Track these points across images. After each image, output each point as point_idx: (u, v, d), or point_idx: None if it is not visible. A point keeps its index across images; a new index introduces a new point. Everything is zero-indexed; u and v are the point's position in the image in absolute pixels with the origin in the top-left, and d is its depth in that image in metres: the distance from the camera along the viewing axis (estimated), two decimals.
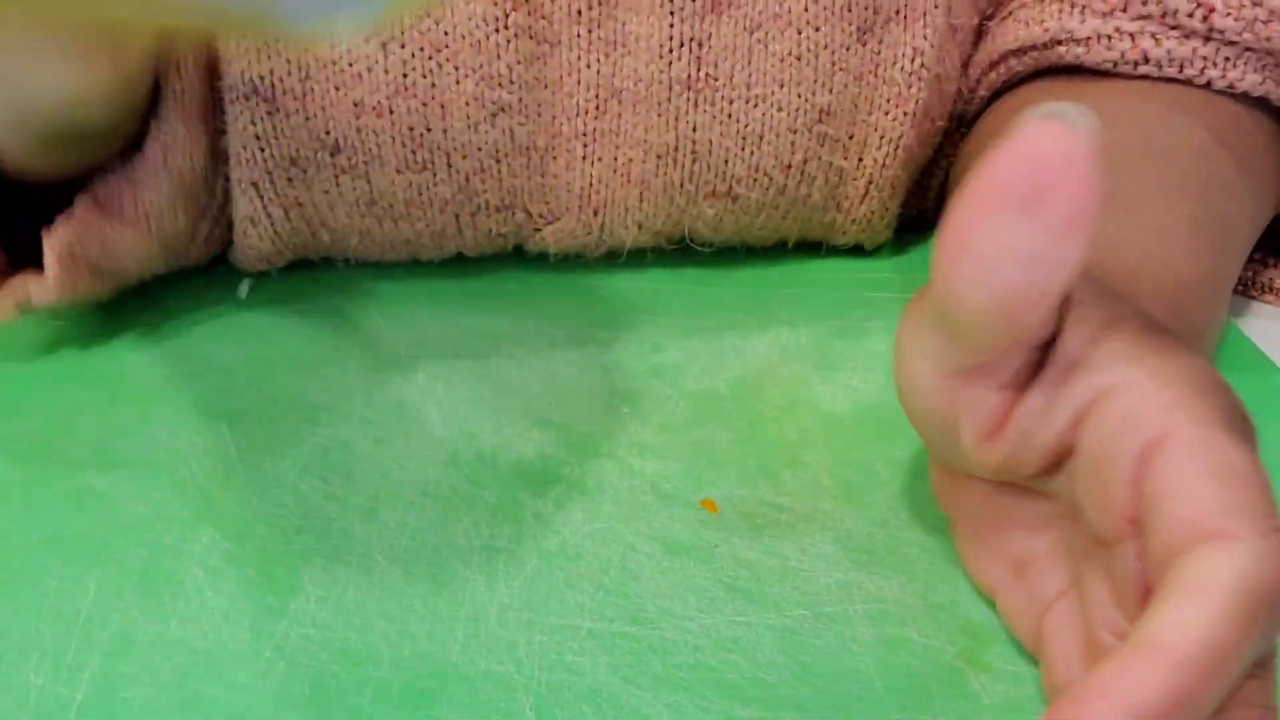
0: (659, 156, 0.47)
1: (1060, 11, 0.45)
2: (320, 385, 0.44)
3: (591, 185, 0.48)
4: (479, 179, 0.46)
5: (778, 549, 0.36)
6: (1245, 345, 0.46)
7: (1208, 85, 0.44)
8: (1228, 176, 0.41)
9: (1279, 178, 0.45)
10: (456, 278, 0.51)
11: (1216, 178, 0.41)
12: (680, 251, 0.52)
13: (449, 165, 0.46)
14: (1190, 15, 0.43)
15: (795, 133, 0.47)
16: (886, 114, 0.47)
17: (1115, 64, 0.44)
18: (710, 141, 0.46)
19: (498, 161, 0.46)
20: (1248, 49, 0.43)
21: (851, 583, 0.35)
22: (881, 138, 0.48)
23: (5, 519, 0.37)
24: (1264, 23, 0.42)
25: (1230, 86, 0.43)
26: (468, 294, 0.50)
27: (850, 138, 0.48)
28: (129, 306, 0.49)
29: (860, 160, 0.48)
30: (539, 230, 0.49)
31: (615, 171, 0.47)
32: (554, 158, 0.47)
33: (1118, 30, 0.44)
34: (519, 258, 0.53)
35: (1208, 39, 0.43)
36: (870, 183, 0.49)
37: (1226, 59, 0.43)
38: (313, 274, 0.52)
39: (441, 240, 0.49)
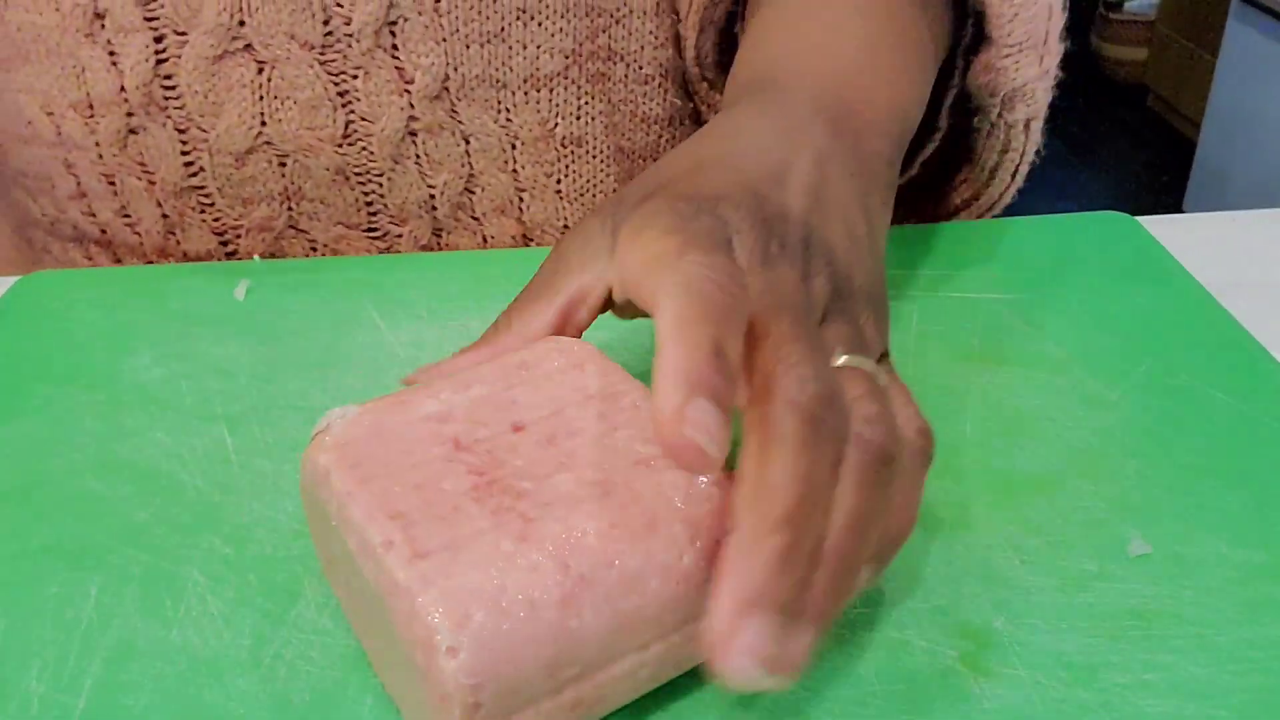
0: None
1: None
2: (320, 385, 0.44)
3: None
4: None
5: None
6: (1249, 343, 0.46)
7: None
8: (920, 27, 0.46)
9: (944, 25, 0.49)
10: (457, 278, 0.51)
11: (912, 26, 0.45)
12: None
13: None
14: None
15: None
16: None
17: None
18: None
19: None
20: None
21: None
22: None
23: (5, 525, 0.37)
24: None
25: None
26: (467, 294, 0.50)
27: None
28: (128, 309, 0.49)
29: None
30: None
31: None
32: None
33: None
34: (519, 258, 0.53)
35: None
36: None
37: None
38: (313, 274, 0.52)
39: None
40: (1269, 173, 2.11)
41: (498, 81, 0.54)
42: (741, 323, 0.30)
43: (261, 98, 0.53)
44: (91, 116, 0.54)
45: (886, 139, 0.41)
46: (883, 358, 0.34)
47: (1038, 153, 0.54)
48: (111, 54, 0.52)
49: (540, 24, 0.53)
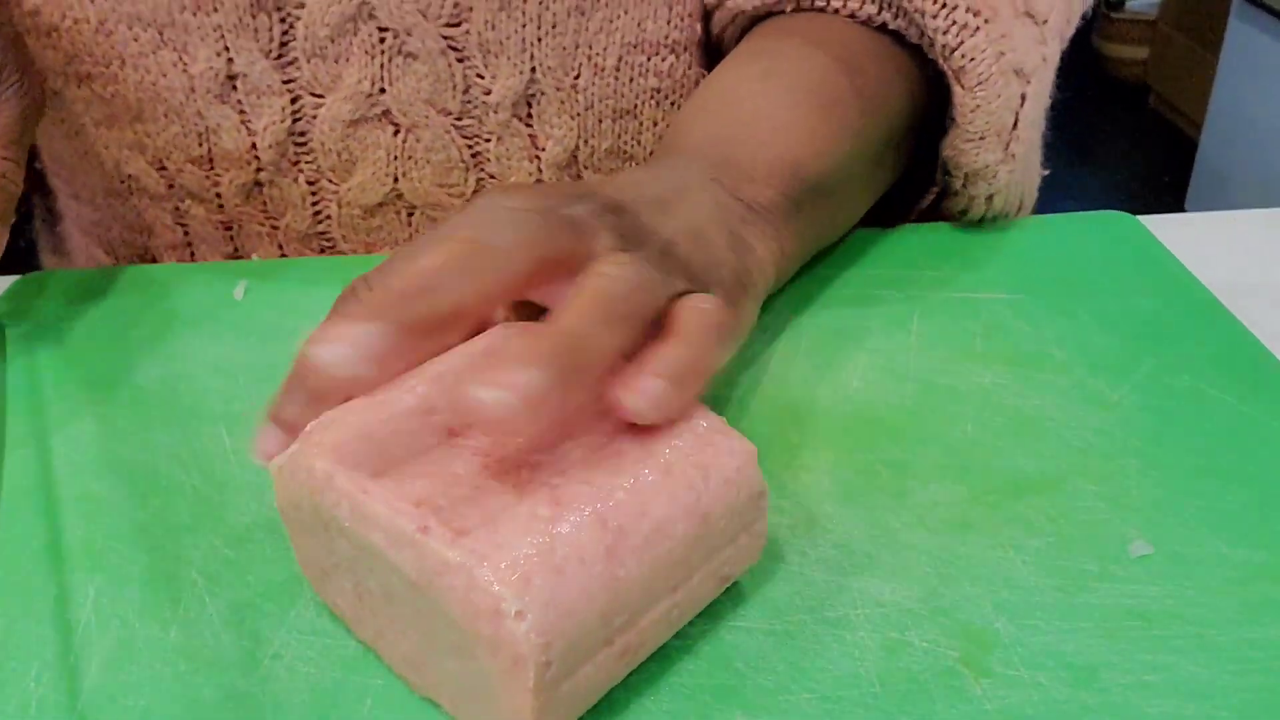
0: None
1: None
2: None
3: None
4: None
5: (778, 552, 0.36)
6: (1251, 343, 0.46)
7: (836, 12, 0.50)
8: (840, 88, 0.48)
9: (893, 90, 0.50)
10: None
11: (828, 87, 0.48)
12: None
13: None
14: None
15: None
16: None
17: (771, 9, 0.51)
18: None
19: None
20: None
21: (853, 586, 0.35)
22: None
23: (4, 526, 0.37)
24: None
25: (852, 15, 0.50)
26: None
27: None
28: (128, 309, 0.49)
29: None
30: (303, 5, 0.50)
31: None
32: None
33: None
34: None
35: None
36: None
37: None
38: (312, 274, 0.52)
39: (203, 14, 0.49)
40: (1271, 172, 2.11)
41: (625, 153, 0.56)
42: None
43: (396, 158, 0.54)
44: (212, 170, 0.54)
45: (767, 185, 0.44)
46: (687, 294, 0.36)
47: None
48: (242, 113, 0.52)
49: (673, 103, 0.55)
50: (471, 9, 0.50)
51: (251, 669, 0.32)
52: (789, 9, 0.51)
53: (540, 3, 0.50)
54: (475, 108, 0.52)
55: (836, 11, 0.50)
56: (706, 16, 0.55)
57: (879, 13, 0.49)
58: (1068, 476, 0.39)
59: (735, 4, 0.53)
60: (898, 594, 0.34)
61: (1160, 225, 0.55)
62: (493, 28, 0.50)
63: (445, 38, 0.51)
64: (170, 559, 0.36)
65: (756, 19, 0.53)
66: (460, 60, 0.51)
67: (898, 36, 0.50)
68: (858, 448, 0.40)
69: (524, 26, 0.50)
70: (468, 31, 0.50)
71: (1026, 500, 0.38)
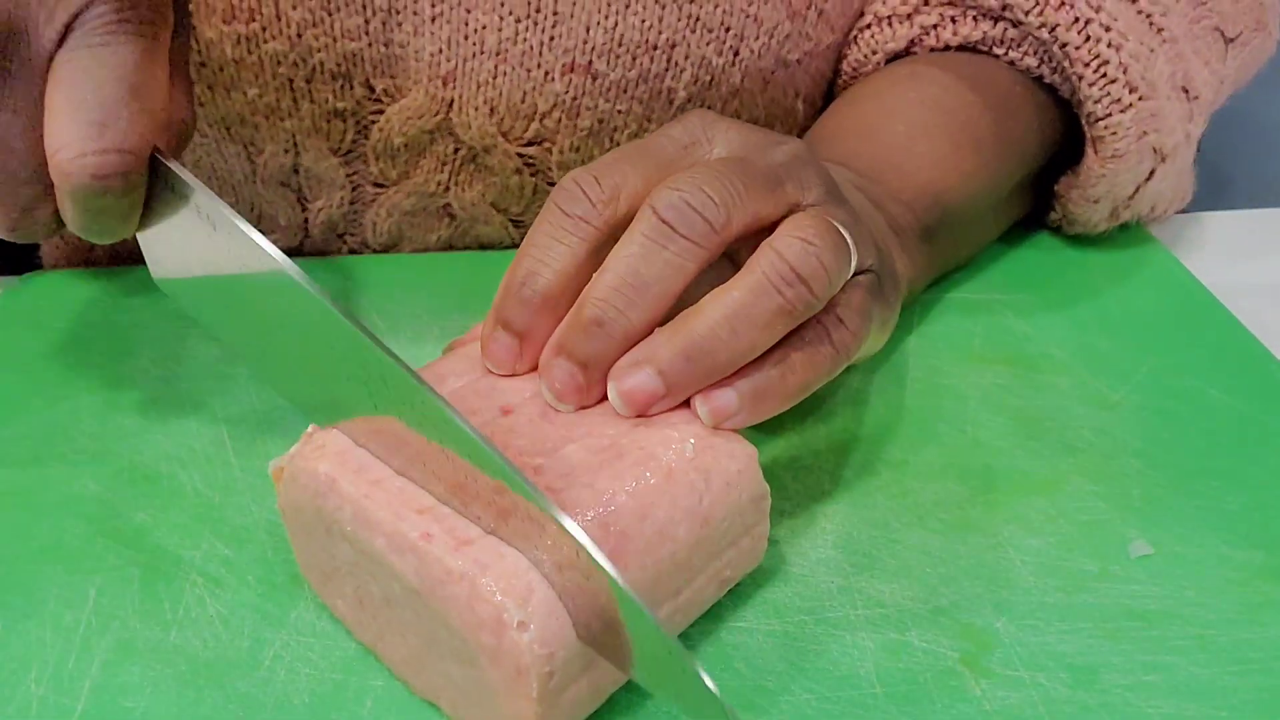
0: (517, 20, 0.46)
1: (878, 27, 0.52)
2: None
3: (441, 51, 0.47)
4: (312, 34, 0.46)
5: (779, 553, 0.36)
6: (1250, 343, 0.46)
7: (998, 57, 0.50)
8: (980, 123, 0.48)
9: (1034, 136, 0.50)
10: (456, 278, 0.51)
11: (978, 127, 0.48)
12: None
13: (278, 16, 0.45)
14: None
15: (663, 7, 0.46)
16: (766, 2, 0.48)
17: (929, 49, 0.52)
18: (572, 2, 0.46)
19: (330, 14, 0.45)
20: (1029, 34, 0.49)
21: (853, 587, 0.35)
22: (759, 28, 0.48)
23: (4, 527, 0.37)
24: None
25: (1012, 63, 0.50)
26: (467, 294, 0.50)
27: (726, 29, 0.47)
28: (128, 309, 0.49)
29: (736, 55, 0.48)
30: (381, 113, 0.49)
31: (467, 38, 0.47)
32: (398, 24, 0.46)
33: (923, 28, 0.51)
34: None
35: (998, 20, 0.50)
36: (745, 77, 0.49)
37: (1011, 40, 0.50)
38: (311, 275, 0.52)
39: (276, 118, 0.49)
40: (1271, 172, 2.11)
41: None
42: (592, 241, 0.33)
43: (443, 239, 0.54)
44: (259, 230, 0.54)
45: (908, 208, 0.45)
46: (869, 274, 0.35)
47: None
48: (300, 195, 0.52)
49: None
50: (557, 133, 0.49)
51: (251, 670, 0.32)
52: (954, 46, 0.52)
53: (633, 133, 0.49)
54: (539, 207, 0.52)
55: (998, 57, 0.50)
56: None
57: (1038, 65, 0.50)
58: (1068, 476, 0.39)
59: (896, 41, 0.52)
60: (898, 594, 0.34)
61: (1160, 225, 0.55)
62: (576, 150, 0.49)
63: (521, 155, 0.50)
64: (170, 560, 0.36)
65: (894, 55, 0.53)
66: (534, 175, 0.50)
67: (1049, 88, 0.50)
68: (858, 448, 0.40)
69: (609, 151, 0.50)
70: (549, 150, 0.49)
71: (1026, 500, 0.38)
